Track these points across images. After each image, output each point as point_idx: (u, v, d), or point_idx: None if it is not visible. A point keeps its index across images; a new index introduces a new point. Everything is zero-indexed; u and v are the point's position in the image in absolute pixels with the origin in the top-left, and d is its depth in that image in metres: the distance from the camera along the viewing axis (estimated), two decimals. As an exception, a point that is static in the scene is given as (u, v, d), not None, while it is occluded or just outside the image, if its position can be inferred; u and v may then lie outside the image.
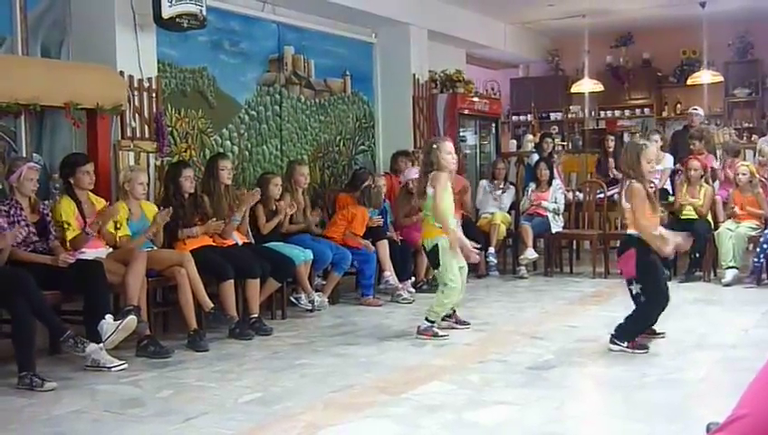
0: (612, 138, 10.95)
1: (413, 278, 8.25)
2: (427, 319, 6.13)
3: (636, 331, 5.49)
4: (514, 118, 15.10)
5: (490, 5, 11.39)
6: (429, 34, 10.54)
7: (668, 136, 11.05)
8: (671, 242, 5.55)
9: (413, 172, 8.66)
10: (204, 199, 6.71)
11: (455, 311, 6.41)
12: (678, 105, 13.78)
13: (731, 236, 8.30)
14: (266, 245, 7.09)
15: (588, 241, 9.97)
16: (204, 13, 6.90)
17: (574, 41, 13.27)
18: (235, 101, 8.27)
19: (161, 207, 6.27)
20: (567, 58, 14.54)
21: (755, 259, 8.09)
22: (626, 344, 5.41)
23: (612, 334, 5.48)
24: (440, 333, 6.12)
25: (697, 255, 8.54)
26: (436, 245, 6.06)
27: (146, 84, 6.97)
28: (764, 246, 8.01)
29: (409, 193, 8.66)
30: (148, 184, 6.56)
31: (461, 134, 10.75)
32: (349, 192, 8.32)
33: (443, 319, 6.27)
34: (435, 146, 6.12)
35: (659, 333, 5.73)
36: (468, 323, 6.43)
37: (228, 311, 6.20)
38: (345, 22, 9.67)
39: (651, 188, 5.57)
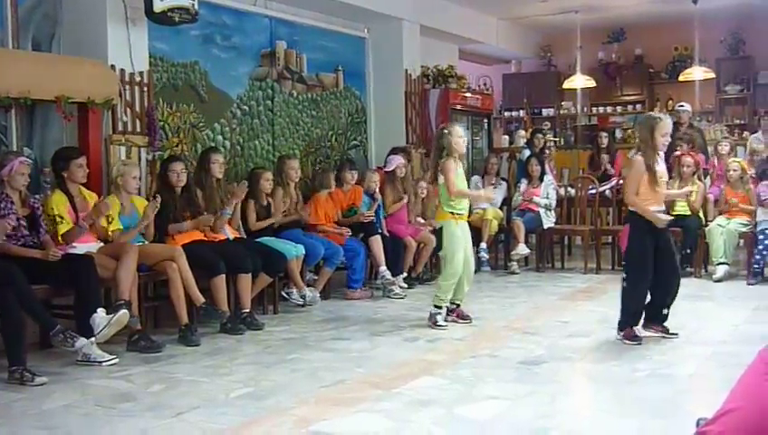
0: (605, 134, 10.98)
1: (404, 273, 8.25)
2: (434, 305, 6.30)
3: (626, 317, 5.57)
4: (507, 113, 15.12)
5: (483, 1, 11.38)
6: (422, 30, 10.54)
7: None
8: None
9: (395, 160, 8.69)
10: (197, 194, 6.70)
11: (458, 305, 6.46)
12: (670, 101, 13.78)
13: (722, 232, 8.33)
14: (258, 240, 7.09)
15: (579, 237, 9.98)
16: (196, 7, 6.88)
17: (566, 37, 13.27)
18: (226, 96, 8.25)
19: (152, 198, 6.27)
20: (559, 54, 14.55)
21: (756, 265, 8.09)
22: (622, 334, 5.52)
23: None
24: (441, 322, 6.23)
25: (689, 250, 8.57)
26: (442, 227, 6.34)
27: (137, 78, 6.95)
28: (760, 246, 8.03)
29: (394, 180, 8.67)
30: (140, 178, 6.54)
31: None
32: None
33: (447, 313, 6.34)
34: (446, 131, 6.34)
35: (673, 333, 5.70)
36: (470, 318, 6.45)
37: (220, 306, 6.20)
38: (337, 17, 9.65)
39: (658, 163, 5.56)
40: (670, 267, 5.60)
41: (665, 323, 5.69)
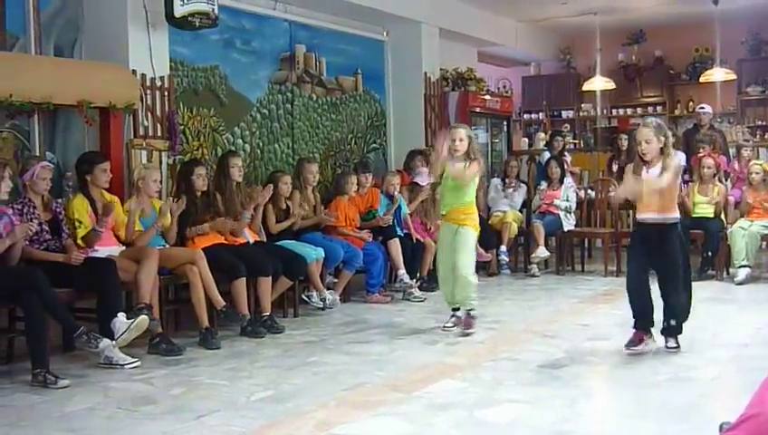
0: (625, 136, 10.91)
1: (419, 277, 8.21)
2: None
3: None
4: (526, 116, 15.10)
5: (502, 3, 11.37)
6: (441, 32, 10.53)
7: (680, 134, 11.00)
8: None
9: (427, 177, 8.68)
10: (216, 197, 6.73)
11: (456, 309, 6.33)
12: (691, 103, 13.72)
13: (744, 234, 8.26)
14: (278, 243, 7.11)
15: (600, 239, 9.94)
16: (216, 11, 6.91)
17: (586, 39, 13.23)
18: (246, 100, 8.29)
19: (175, 200, 6.31)
20: (579, 56, 14.50)
21: None
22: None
23: None
24: (445, 323, 6.29)
25: (710, 253, 8.52)
26: None
27: (158, 83, 7.00)
28: None
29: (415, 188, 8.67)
30: (161, 182, 6.58)
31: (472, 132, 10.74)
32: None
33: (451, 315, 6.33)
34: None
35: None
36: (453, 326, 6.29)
37: (240, 309, 6.22)
38: (357, 20, 9.67)
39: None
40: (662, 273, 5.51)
41: (666, 335, 5.48)
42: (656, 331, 5.47)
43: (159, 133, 7.02)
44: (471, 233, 6.19)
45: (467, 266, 6.13)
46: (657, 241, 5.38)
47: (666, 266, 5.41)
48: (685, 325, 5.47)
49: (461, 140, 6.13)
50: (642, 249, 5.48)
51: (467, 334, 6.07)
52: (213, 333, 5.94)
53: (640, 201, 5.46)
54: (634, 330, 5.45)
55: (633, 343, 5.41)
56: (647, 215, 5.42)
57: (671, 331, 5.45)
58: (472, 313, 6.19)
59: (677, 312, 5.42)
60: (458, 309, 6.29)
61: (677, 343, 5.43)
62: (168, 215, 6.27)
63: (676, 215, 5.44)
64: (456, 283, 6.18)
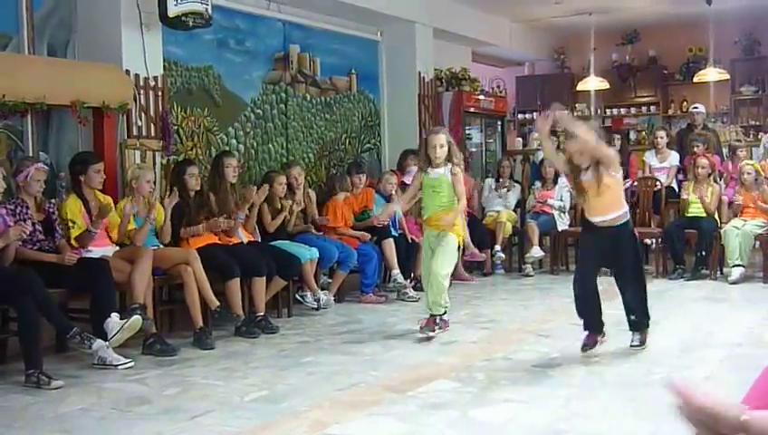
0: (619, 136, 10.93)
1: (412, 277, 8.21)
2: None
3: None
4: (520, 116, 15.11)
5: (496, 3, 11.38)
6: (435, 32, 10.54)
7: (674, 134, 11.03)
8: None
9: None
10: (210, 197, 6.73)
11: (429, 315, 6.07)
12: (684, 103, 13.74)
13: (737, 234, 8.27)
14: (272, 243, 7.11)
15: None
16: (209, 11, 6.90)
17: (580, 38, 13.26)
18: (240, 100, 8.28)
19: (167, 194, 6.31)
20: (573, 56, 14.53)
21: None
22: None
23: None
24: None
25: (704, 253, 8.53)
26: None
27: (152, 83, 6.99)
28: None
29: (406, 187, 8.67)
30: (155, 182, 6.57)
31: (467, 132, 10.76)
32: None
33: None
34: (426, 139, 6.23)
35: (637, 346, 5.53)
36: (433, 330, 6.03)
37: (234, 309, 6.21)
38: (351, 20, 9.68)
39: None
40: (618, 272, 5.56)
41: (632, 330, 5.49)
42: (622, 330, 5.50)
43: (153, 133, 7.01)
44: (453, 239, 6.00)
45: (443, 268, 5.92)
46: (610, 243, 5.35)
47: (621, 265, 5.48)
48: (678, 323, 5.46)
49: (441, 146, 5.96)
50: (594, 251, 5.47)
51: (429, 337, 5.90)
52: (207, 334, 5.94)
53: (586, 202, 5.35)
54: (586, 332, 5.46)
55: (588, 346, 5.42)
56: (595, 217, 5.34)
57: (632, 326, 5.48)
58: (444, 317, 6.06)
59: (633, 307, 5.45)
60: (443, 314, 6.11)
61: (641, 341, 5.45)
62: (160, 207, 6.26)
63: (623, 211, 5.36)
64: (428, 285, 6.02)
